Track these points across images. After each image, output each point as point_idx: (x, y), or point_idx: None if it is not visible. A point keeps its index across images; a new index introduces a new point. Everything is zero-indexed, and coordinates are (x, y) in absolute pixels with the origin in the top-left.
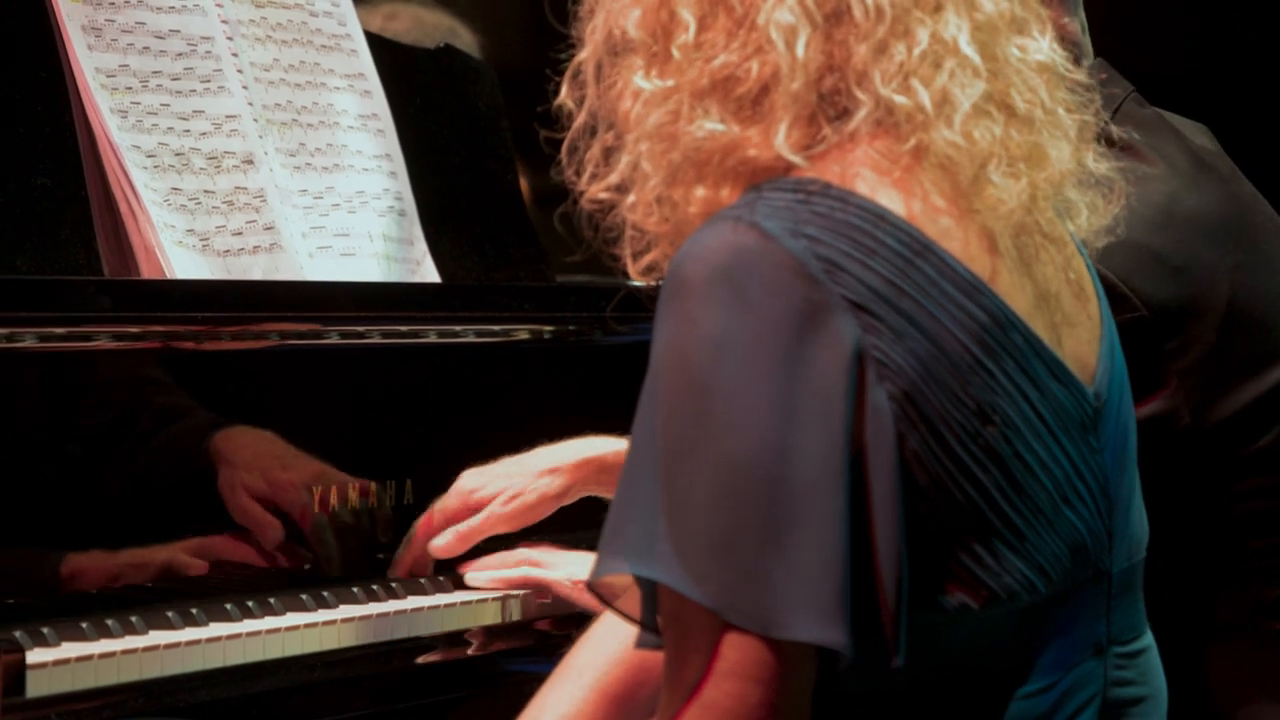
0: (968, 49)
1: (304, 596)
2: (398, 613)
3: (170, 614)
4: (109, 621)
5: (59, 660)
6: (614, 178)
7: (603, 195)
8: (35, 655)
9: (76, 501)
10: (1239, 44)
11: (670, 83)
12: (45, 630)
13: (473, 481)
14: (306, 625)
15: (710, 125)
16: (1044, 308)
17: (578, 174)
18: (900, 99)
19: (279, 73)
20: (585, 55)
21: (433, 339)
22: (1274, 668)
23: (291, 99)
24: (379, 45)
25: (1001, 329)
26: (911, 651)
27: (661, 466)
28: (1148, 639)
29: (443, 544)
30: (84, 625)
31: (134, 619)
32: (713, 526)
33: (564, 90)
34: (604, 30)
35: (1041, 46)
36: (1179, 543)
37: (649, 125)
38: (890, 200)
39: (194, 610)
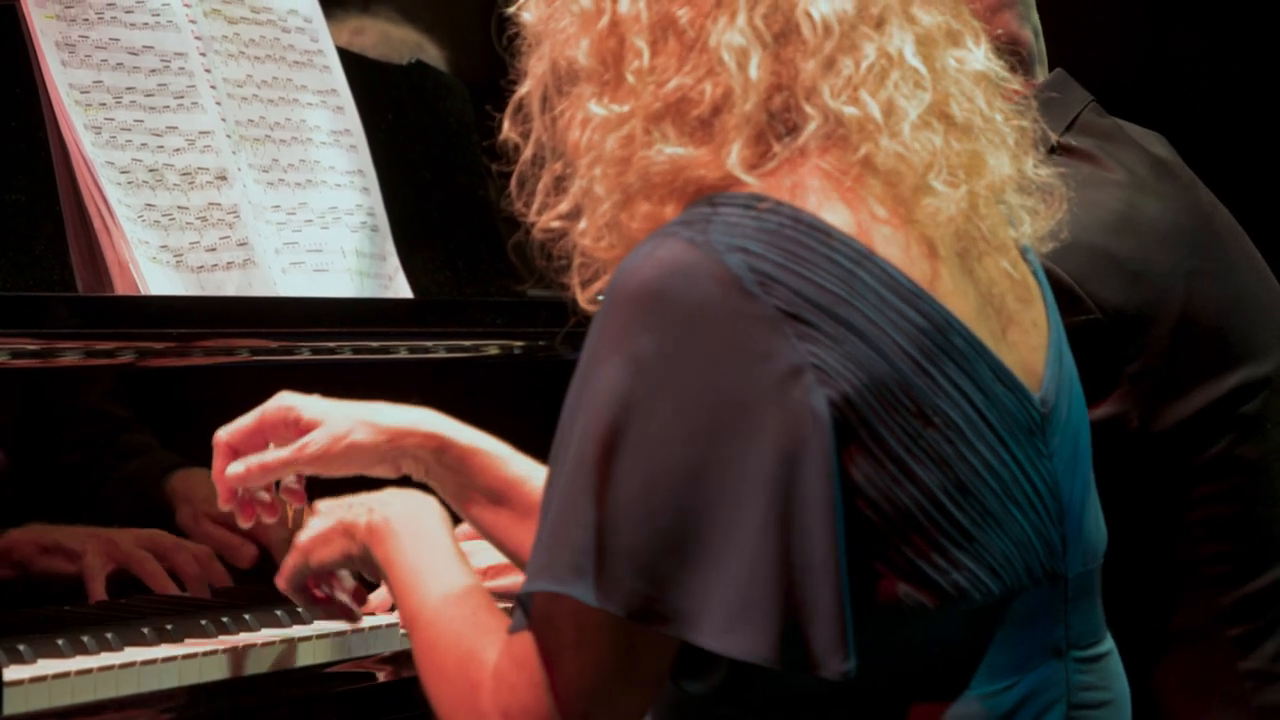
0: (913, 60)
1: (279, 612)
2: (372, 628)
3: (146, 630)
4: (85, 638)
5: (35, 678)
6: (565, 205)
7: (555, 224)
8: (12, 672)
9: (50, 517)
10: (1188, 55)
11: (625, 108)
12: (21, 647)
13: (299, 402)
14: (283, 640)
15: (670, 150)
16: (988, 314)
17: (527, 205)
18: (850, 110)
19: (252, 89)
20: (529, 88)
21: (405, 354)
22: (1227, 675)
23: (264, 115)
24: (351, 61)
25: (942, 333)
26: (871, 651)
27: (579, 481)
28: (1108, 644)
29: (240, 471)
30: (60, 642)
31: (110, 635)
32: (634, 539)
33: (506, 125)
34: (549, 61)
35: (977, 56)
36: (1133, 548)
37: (605, 151)
38: (835, 213)
39: (169, 626)
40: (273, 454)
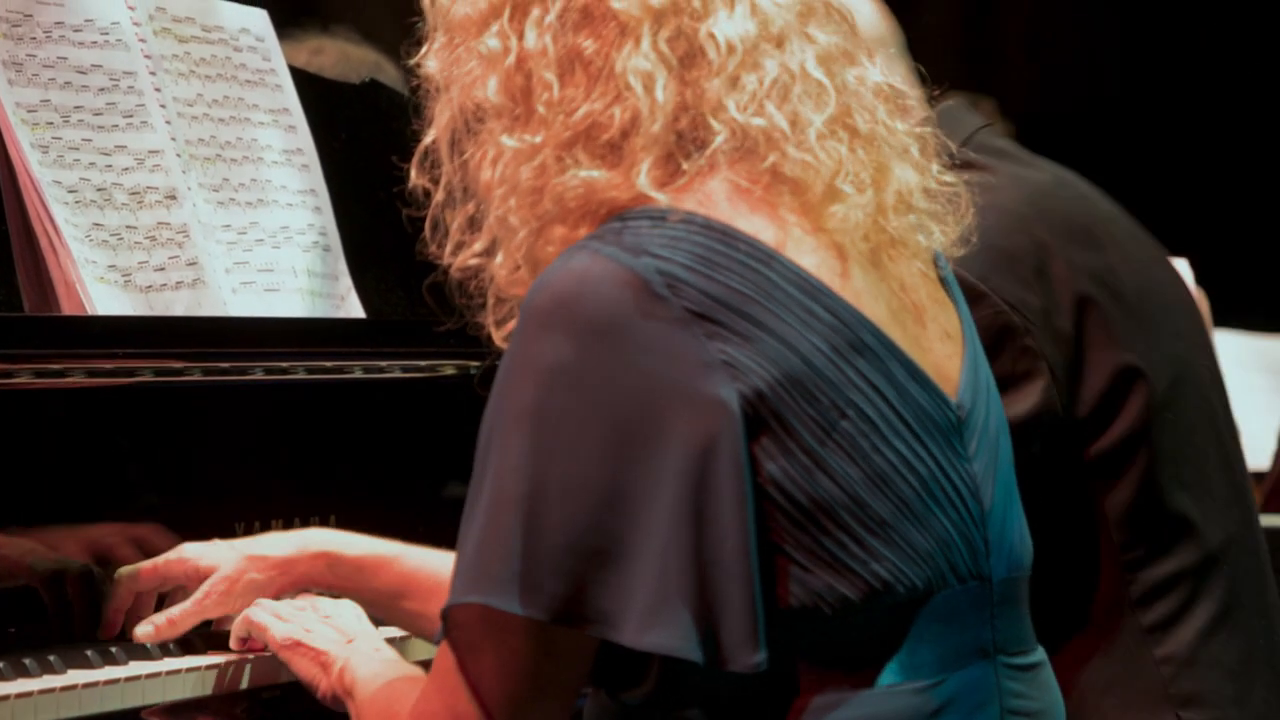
0: (815, 73)
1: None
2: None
3: (90, 653)
4: (26, 661)
5: None
6: (480, 244)
7: (472, 261)
8: None
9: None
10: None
11: (537, 138)
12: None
13: (195, 552)
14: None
15: (584, 174)
16: (902, 318)
17: (440, 247)
18: (756, 121)
19: (202, 108)
20: (436, 134)
21: (358, 375)
22: (1142, 663)
23: (215, 134)
24: (304, 80)
25: (852, 330)
26: (796, 644)
27: (497, 496)
28: (1040, 655)
29: (149, 631)
30: (0, 665)
31: (52, 658)
32: (554, 545)
33: (414, 173)
34: (456, 105)
35: (875, 72)
36: (1050, 540)
37: (519, 182)
38: (744, 219)
39: (113, 649)
40: (178, 609)
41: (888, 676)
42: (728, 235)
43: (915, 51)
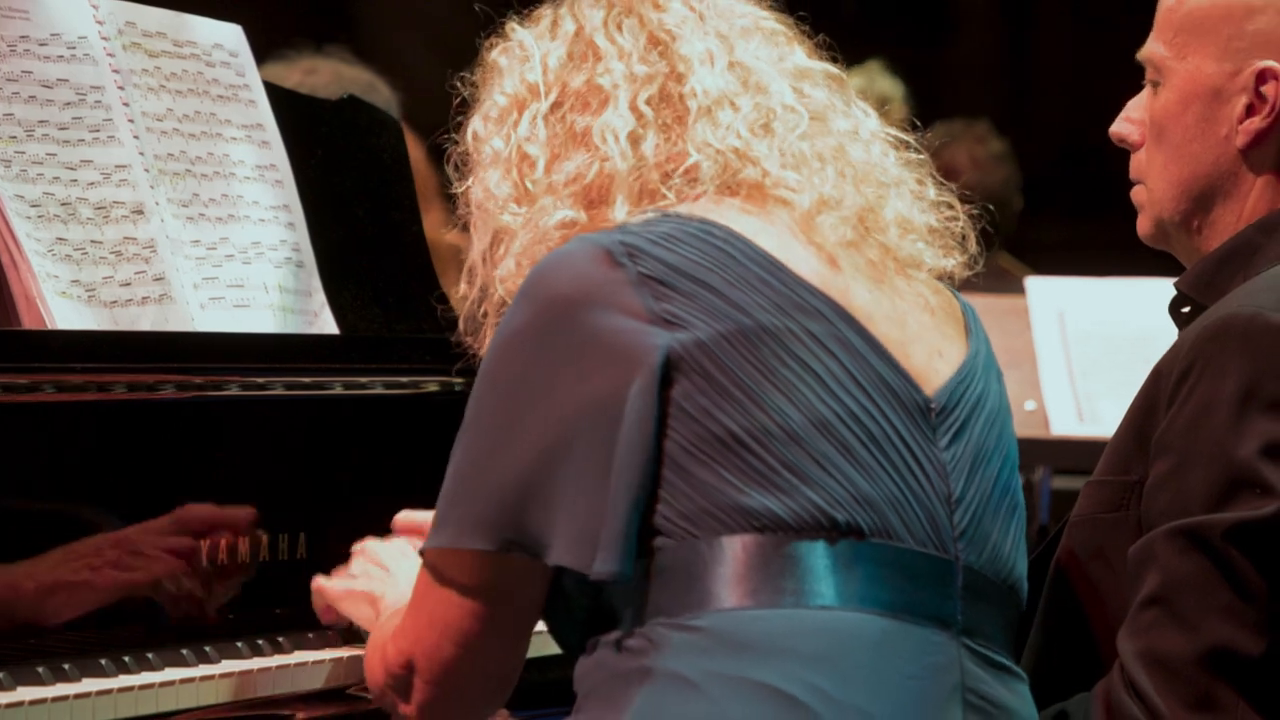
0: (798, 105)
1: (184, 651)
2: (279, 667)
3: (40, 670)
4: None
5: None
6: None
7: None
8: None
9: None
10: None
11: (523, 209)
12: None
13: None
14: (182, 680)
15: (562, 214)
16: (888, 326)
17: (475, 339)
18: (733, 141)
19: (173, 123)
20: (475, 252)
21: (338, 390)
22: None
23: (185, 149)
24: (280, 96)
25: (804, 299)
26: (736, 558)
27: (462, 451)
28: (1018, 670)
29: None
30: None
31: (1, 675)
32: (499, 483)
33: (464, 287)
34: (483, 222)
35: (872, 121)
36: None
37: (515, 250)
38: (727, 218)
39: (66, 666)
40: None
41: (825, 599)
42: (699, 221)
43: (955, 78)
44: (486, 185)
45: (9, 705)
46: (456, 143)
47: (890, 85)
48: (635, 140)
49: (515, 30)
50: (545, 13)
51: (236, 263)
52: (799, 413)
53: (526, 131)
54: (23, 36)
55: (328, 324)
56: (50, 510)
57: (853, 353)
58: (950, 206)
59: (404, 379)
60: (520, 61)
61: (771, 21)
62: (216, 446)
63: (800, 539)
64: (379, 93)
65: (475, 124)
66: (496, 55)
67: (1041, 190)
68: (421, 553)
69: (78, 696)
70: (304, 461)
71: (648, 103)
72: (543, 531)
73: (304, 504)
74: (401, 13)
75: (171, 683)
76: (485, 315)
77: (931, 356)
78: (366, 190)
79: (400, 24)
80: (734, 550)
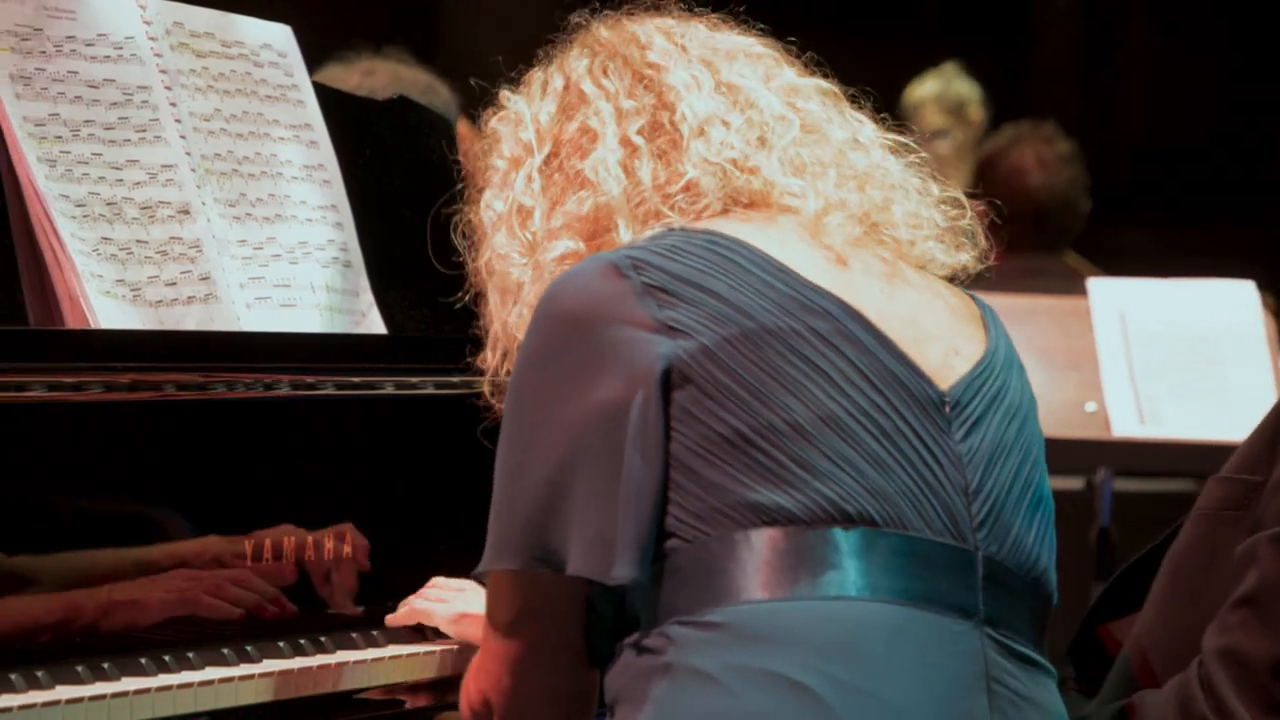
0: (790, 115)
1: (225, 650)
2: (320, 667)
3: (80, 669)
4: (13, 677)
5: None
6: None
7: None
8: None
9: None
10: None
11: (526, 260)
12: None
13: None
14: (221, 680)
15: (562, 245)
16: (901, 325)
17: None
18: (729, 154)
19: (220, 123)
20: (495, 319)
21: (386, 390)
22: None
23: (232, 149)
24: (329, 96)
25: (809, 300)
26: (751, 553)
27: (498, 477)
28: (1045, 663)
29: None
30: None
31: (40, 674)
32: (519, 510)
33: (489, 356)
34: (497, 288)
35: (869, 128)
36: None
37: (524, 298)
38: (733, 229)
39: (105, 665)
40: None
41: (844, 589)
42: (704, 233)
43: (1032, 84)
44: (494, 248)
45: (46, 704)
46: (461, 211)
47: (967, 87)
48: (628, 169)
49: (509, 99)
50: (536, 75)
51: (283, 262)
52: (807, 409)
53: (522, 186)
54: (69, 37)
55: (375, 324)
56: (96, 509)
57: (861, 349)
58: (957, 204)
59: (455, 379)
60: (515, 125)
61: (757, 47)
62: (266, 445)
63: (814, 530)
64: (438, 94)
65: (486, 196)
66: (494, 124)
67: (1120, 194)
68: (482, 583)
69: (115, 696)
70: (352, 460)
71: (639, 133)
72: (561, 544)
73: (351, 503)
74: (473, 10)
75: (210, 682)
76: (509, 374)
77: (948, 354)
78: (416, 190)
79: (473, 23)
80: (748, 545)
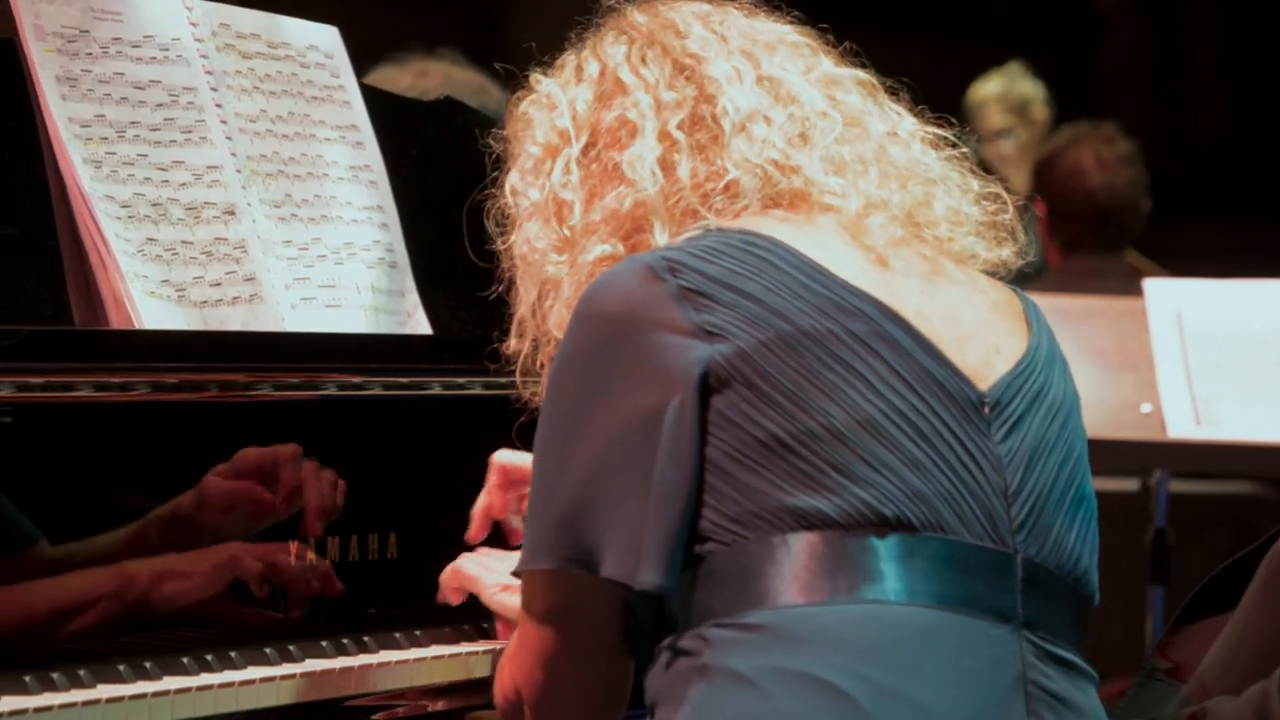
0: (833, 112)
1: (267, 650)
2: (362, 667)
3: (122, 667)
4: (54, 675)
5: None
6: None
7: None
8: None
9: (54, 553)
10: None
11: (564, 257)
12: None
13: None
14: (263, 679)
15: (599, 249)
16: (941, 325)
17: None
18: (771, 153)
19: (266, 123)
20: (523, 307)
21: (433, 390)
22: None
23: (278, 150)
24: (376, 97)
25: (846, 301)
26: (789, 556)
27: (535, 477)
28: (1085, 666)
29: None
30: (27, 679)
31: (82, 673)
32: (560, 506)
33: (513, 343)
34: (528, 275)
35: (908, 121)
36: None
37: (562, 297)
38: (770, 229)
39: (147, 664)
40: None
41: (881, 594)
42: (739, 233)
43: (1100, 82)
44: (528, 238)
45: (87, 703)
46: (495, 197)
47: (1031, 87)
48: (666, 165)
49: (541, 81)
50: (569, 59)
51: (329, 263)
52: (844, 413)
53: (560, 178)
54: (115, 38)
55: (421, 325)
56: (143, 508)
57: (899, 351)
58: (997, 199)
59: (503, 379)
60: (549, 110)
61: (794, 35)
62: (313, 446)
63: (852, 535)
64: (490, 94)
65: (512, 178)
66: (525, 108)
67: (1188, 192)
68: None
69: (156, 695)
70: (399, 461)
71: (679, 127)
72: (595, 546)
73: (397, 503)
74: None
75: (252, 681)
76: (542, 367)
77: (989, 353)
78: (462, 191)
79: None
80: (785, 549)
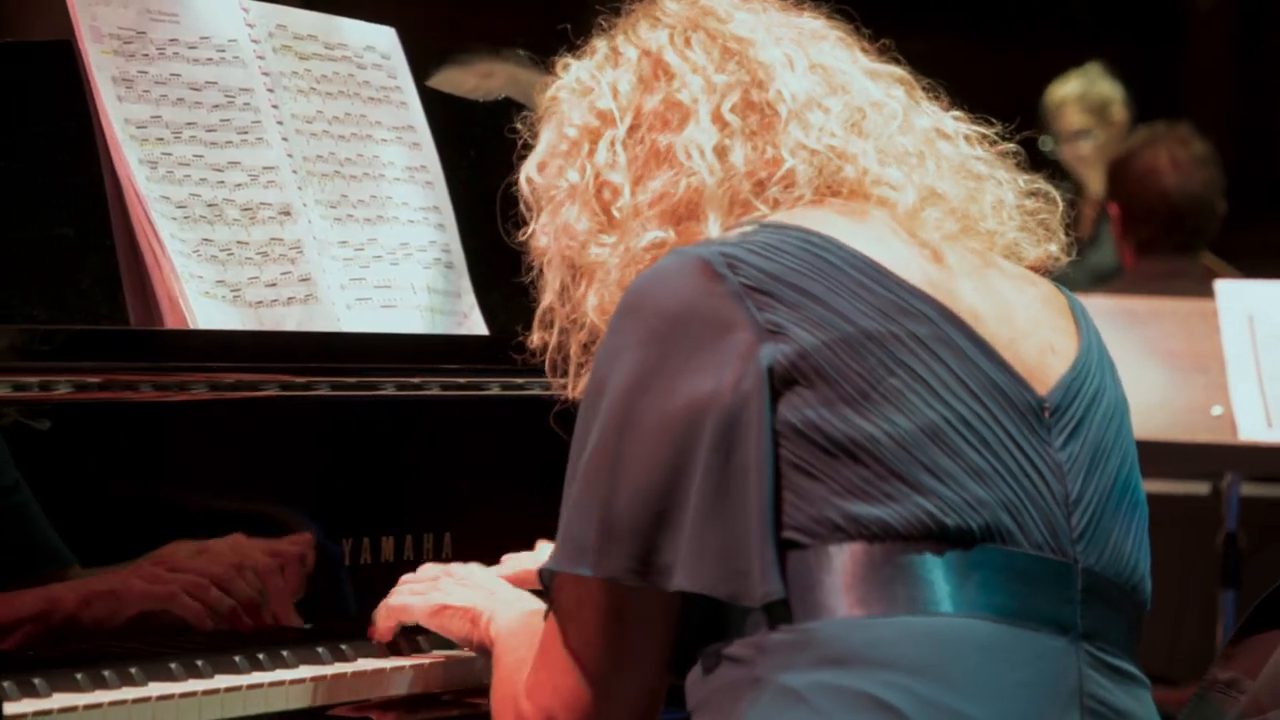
0: (889, 102)
1: (320, 649)
2: (414, 666)
3: (173, 665)
4: (106, 673)
5: (40, 712)
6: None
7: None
8: (13, 707)
9: (105, 552)
10: None
11: (612, 238)
12: (36, 681)
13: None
14: (314, 678)
15: (651, 235)
16: (996, 324)
17: (563, 382)
18: (831, 141)
19: (322, 124)
20: (548, 297)
21: (491, 390)
22: None
23: (334, 150)
24: (434, 98)
25: (907, 302)
26: (844, 568)
27: (581, 472)
28: (1140, 675)
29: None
30: (79, 676)
31: (133, 670)
32: (623, 512)
33: (536, 336)
34: (560, 258)
35: (949, 119)
36: None
37: (610, 281)
38: (825, 224)
39: (199, 663)
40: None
41: (939, 605)
42: (795, 229)
43: (1185, 82)
44: (566, 221)
45: (137, 700)
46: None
47: (1110, 88)
48: (722, 152)
49: (571, 65)
50: (598, 45)
51: (385, 263)
52: (908, 420)
53: (606, 159)
54: (172, 40)
55: (477, 325)
56: (202, 507)
57: (960, 356)
58: (1044, 195)
59: (563, 380)
60: (583, 94)
61: (837, 31)
62: (370, 446)
63: (911, 546)
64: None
65: (533, 165)
66: (554, 92)
67: (1271, 195)
68: (546, 581)
69: (206, 693)
70: (455, 462)
71: (732, 110)
72: (670, 557)
73: (453, 504)
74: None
75: (303, 680)
76: (572, 356)
77: (1044, 352)
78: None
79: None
80: (842, 559)
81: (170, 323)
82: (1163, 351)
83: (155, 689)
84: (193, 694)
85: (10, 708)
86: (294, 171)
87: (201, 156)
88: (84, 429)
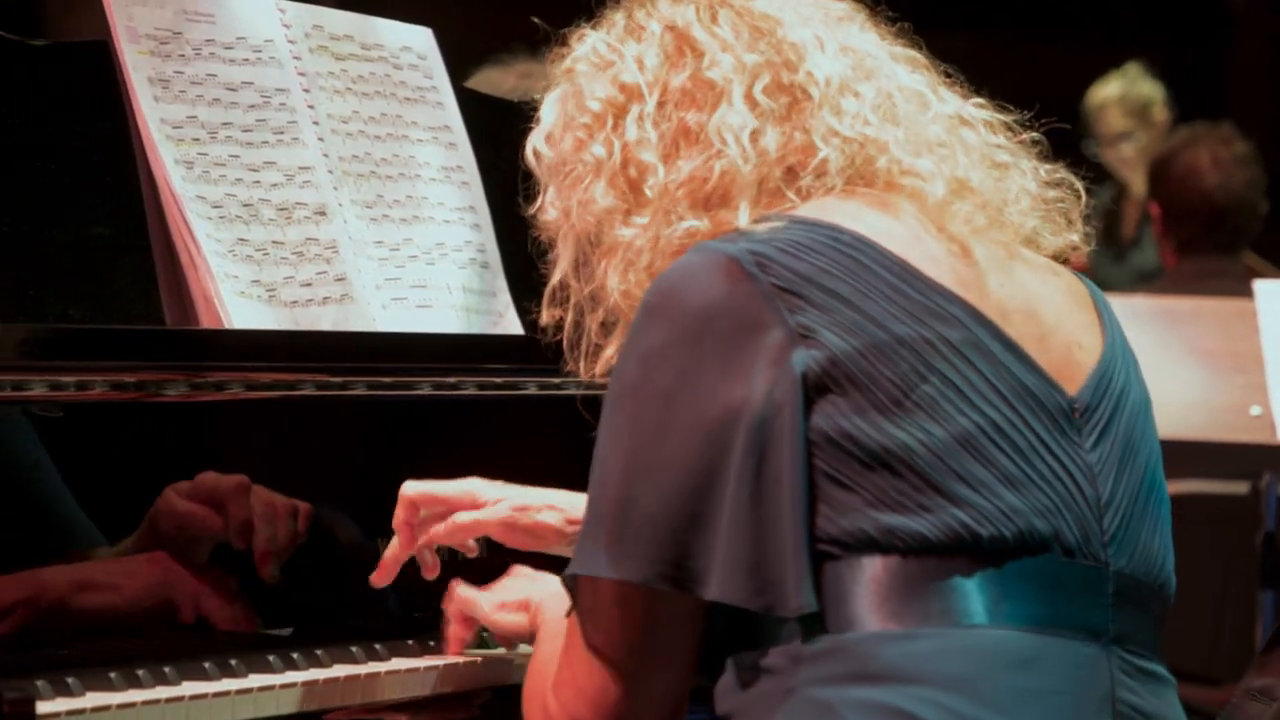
0: (919, 87)
1: (354, 649)
2: (448, 666)
3: (208, 665)
4: (139, 672)
5: (73, 710)
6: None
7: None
8: (46, 706)
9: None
10: None
11: (645, 219)
12: (70, 680)
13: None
14: (347, 678)
15: (686, 224)
16: (1023, 321)
17: (577, 364)
18: (864, 129)
19: (358, 124)
20: (560, 272)
21: (529, 390)
22: None
23: (370, 151)
24: (470, 98)
25: (940, 306)
26: (878, 580)
27: (605, 472)
28: (1166, 675)
29: (441, 531)
30: (112, 675)
31: (168, 670)
32: (651, 515)
33: (547, 314)
34: (577, 230)
35: (969, 106)
36: None
37: (640, 265)
38: (854, 220)
39: (233, 662)
40: (469, 515)
41: (973, 618)
42: (825, 227)
43: (1228, 83)
44: (588, 197)
45: (170, 699)
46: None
47: (1151, 88)
48: (756, 136)
49: (588, 35)
50: (616, 18)
51: (420, 263)
52: (941, 429)
53: (635, 135)
54: (208, 40)
55: (513, 325)
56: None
57: (991, 360)
58: (1064, 185)
59: (599, 380)
60: (605, 67)
61: (861, 15)
62: (406, 446)
63: (946, 559)
64: None
65: (540, 137)
66: (570, 64)
67: None
68: (570, 586)
69: (240, 693)
70: (492, 461)
71: (764, 92)
72: (703, 563)
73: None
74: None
75: (337, 679)
76: (590, 335)
77: (1070, 348)
78: None
79: None
80: (876, 572)
81: (206, 322)
82: (1202, 351)
83: (189, 688)
84: (226, 693)
85: (44, 706)
86: (330, 171)
87: (237, 156)
88: (119, 428)
